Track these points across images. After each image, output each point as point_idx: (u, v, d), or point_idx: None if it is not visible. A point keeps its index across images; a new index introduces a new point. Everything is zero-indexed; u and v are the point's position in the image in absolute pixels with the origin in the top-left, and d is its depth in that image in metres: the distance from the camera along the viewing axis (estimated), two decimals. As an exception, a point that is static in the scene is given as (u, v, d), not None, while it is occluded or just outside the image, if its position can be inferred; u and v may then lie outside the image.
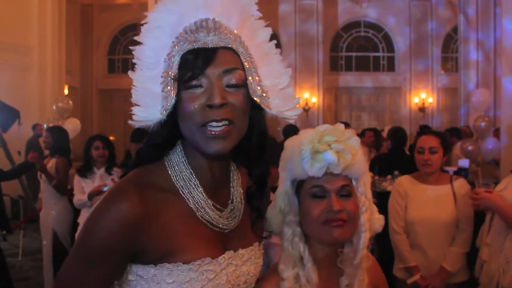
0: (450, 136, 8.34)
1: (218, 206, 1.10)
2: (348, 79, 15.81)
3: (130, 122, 1.05)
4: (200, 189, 1.07)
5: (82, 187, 4.37)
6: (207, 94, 0.98)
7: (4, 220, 5.01)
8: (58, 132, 5.09)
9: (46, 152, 5.34)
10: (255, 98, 1.04)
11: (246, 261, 1.13)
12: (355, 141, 1.20)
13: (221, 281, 1.05)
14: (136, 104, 1.04)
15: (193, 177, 1.07)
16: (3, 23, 9.24)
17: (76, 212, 4.68)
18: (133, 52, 1.05)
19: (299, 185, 1.24)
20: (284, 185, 1.27)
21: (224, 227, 1.09)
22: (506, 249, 2.48)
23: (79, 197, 4.36)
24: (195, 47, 0.99)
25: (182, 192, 1.06)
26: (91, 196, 4.21)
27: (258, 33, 1.10)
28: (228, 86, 1.00)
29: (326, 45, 15.57)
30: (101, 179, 4.32)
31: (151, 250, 1.00)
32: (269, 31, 1.12)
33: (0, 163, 5.48)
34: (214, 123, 0.97)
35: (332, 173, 1.19)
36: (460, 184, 2.90)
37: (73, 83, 14.10)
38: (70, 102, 7.75)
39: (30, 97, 9.63)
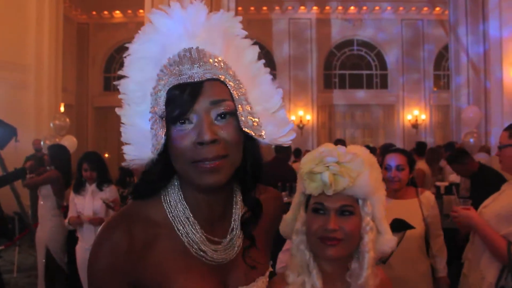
0: (445, 152, 8.43)
1: (215, 239, 1.07)
2: (341, 96, 15.99)
3: (123, 163, 1.05)
4: (195, 225, 1.04)
5: (74, 204, 4.46)
6: (196, 130, 0.94)
7: (5, 229, 5.05)
8: (54, 150, 5.19)
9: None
10: (246, 130, 1.00)
11: None
12: (358, 163, 1.20)
13: None
14: (126, 143, 1.02)
15: (188, 213, 1.04)
16: (0, 42, 9.34)
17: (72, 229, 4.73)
18: (118, 87, 1.03)
19: (308, 198, 1.28)
20: (298, 195, 1.32)
21: (221, 260, 1.06)
22: (481, 266, 2.49)
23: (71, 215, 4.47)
24: (181, 82, 0.95)
25: (177, 228, 1.03)
26: (72, 223, 4.42)
27: (245, 52, 1.07)
28: (217, 118, 0.96)
29: (319, 63, 15.79)
30: (92, 195, 4.40)
31: (146, 283, 1.01)
32: (256, 50, 1.08)
33: (-3, 180, 5.50)
34: (206, 162, 0.94)
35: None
36: (427, 196, 2.96)
37: (69, 100, 14.19)
38: (67, 120, 7.81)
39: (26, 115, 9.68)
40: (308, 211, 1.27)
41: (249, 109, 1.01)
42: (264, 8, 15.37)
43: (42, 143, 6.96)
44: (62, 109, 11.30)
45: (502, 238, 2.38)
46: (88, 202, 4.37)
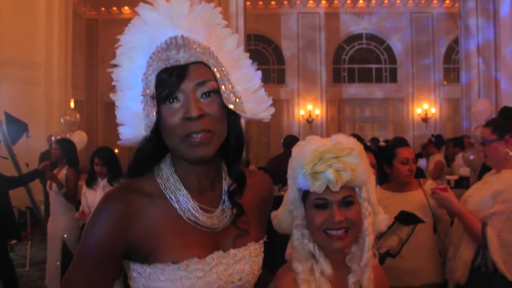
0: (453, 146, 8.40)
1: (207, 208, 1.15)
2: (351, 90, 15.94)
3: (118, 142, 1.13)
4: (186, 193, 1.13)
5: (86, 198, 4.56)
6: (184, 107, 1.04)
7: (14, 228, 5.10)
8: (66, 144, 5.22)
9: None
10: (229, 106, 1.10)
11: (239, 260, 1.17)
12: (355, 155, 1.25)
13: (211, 279, 1.11)
14: (121, 124, 1.11)
15: (179, 184, 1.14)
16: (11, 39, 9.42)
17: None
18: (111, 75, 1.13)
19: (304, 194, 1.31)
20: (292, 191, 1.35)
21: (214, 226, 1.15)
22: (461, 249, 2.58)
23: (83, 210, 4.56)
24: (168, 66, 1.06)
25: (170, 197, 1.12)
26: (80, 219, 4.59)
27: (226, 40, 1.16)
28: (203, 96, 1.06)
29: (328, 58, 15.73)
30: (103, 190, 4.44)
31: (139, 248, 1.09)
32: (236, 38, 1.18)
33: (9, 174, 5.56)
34: (194, 135, 1.04)
35: None
36: (429, 185, 2.97)
37: (78, 96, 14.28)
38: (78, 116, 7.86)
39: (37, 111, 9.75)
40: (308, 206, 1.31)
41: (231, 88, 1.11)
42: (273, 2, 15.31)
43: (53, 138, 7.03)
44: (72, 105, 11.36)
45: (478, 220, 2.47)
46: (99, 197, 4.39)
